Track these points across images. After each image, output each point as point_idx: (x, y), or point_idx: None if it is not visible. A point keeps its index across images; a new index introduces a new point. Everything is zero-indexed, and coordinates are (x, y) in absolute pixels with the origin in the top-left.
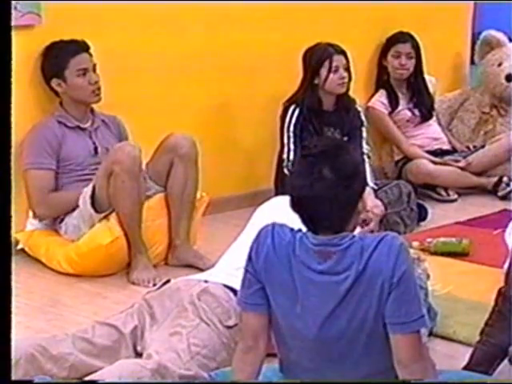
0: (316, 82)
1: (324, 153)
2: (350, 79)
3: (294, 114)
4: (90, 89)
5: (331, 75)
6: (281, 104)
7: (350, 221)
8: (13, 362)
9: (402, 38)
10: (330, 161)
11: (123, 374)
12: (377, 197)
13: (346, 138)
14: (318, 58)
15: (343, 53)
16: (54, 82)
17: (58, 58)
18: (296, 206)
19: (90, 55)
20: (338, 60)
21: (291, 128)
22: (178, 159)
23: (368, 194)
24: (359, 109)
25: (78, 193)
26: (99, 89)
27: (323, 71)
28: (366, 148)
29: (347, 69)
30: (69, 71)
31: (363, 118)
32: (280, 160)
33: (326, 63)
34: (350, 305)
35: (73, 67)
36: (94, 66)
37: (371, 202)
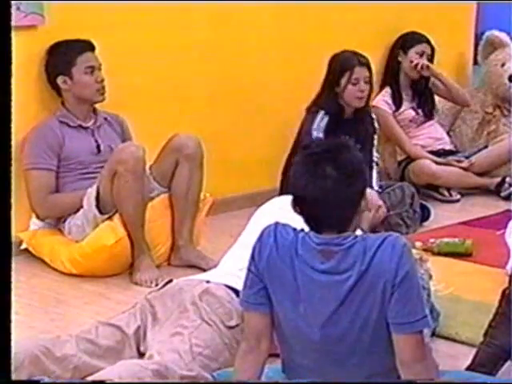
0: (337, 90)
1: (327, 152)
2: (370, 92)
3: (322, 120)
4: (96, 87)
5: (350, 86)
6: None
7: (353, 220)
8: (17, 363)
9: (425, 38)
10: (333, 159)
11: (124, 375)
12: (380, 199)
13: (358, 146)
14: (340, 67)
15: (366, 65)
16: (60, 80)
17: (66, 55)
18: (299, 205)
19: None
20: (359, 72)
21: (314, 133)
22: (183, 159)
23: (370, 195)
24: (373, 115)
25: (77, 194)
26: (104, 88)
27: (343, 81)
28: (375, 156)
29: (368, 82)
30: (76, 68)
31: (376, 124)
32: (289, 162)
33: (347, 74)
34: (353, 305)
35: (80, 64)
36: (100, 65)
37: (375, 203)
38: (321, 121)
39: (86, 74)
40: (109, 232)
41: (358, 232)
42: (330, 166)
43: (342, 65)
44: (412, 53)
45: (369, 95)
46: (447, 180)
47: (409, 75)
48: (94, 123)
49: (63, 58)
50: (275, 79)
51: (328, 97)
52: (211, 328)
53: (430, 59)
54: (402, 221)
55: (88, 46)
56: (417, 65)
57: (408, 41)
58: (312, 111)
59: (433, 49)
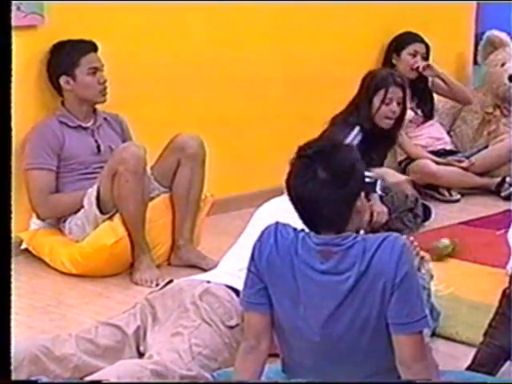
0: (371, 109)
1: (319, 153)
2: (402, 115)
3: (356, 137)
4: (99, 88)
5: (383, 106)
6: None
7: (350, 220)
8: (17, 362)
9: (418, 37)
10: (325, 160)
11: (122, 374)
12: (383, 203)
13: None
14: (375, 84)
15: (401, 86)
16: (63, 80)
17: (70, 55)
18: (296, 206)
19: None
20: (393, 92)
21: None
22: (185, 159)
23: (374, 199)
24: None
25: (78, 194)
26: (106, 89)
27: (376, 100)
28: None
29: (401, 103)
30: (79, 69)
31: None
32: None
33: (381, 92)
34: (353, 305)
35: (84, 65)
36: (103, 66)
37: (378, 208)
38: (354, 137)
39: (88, 75)
40: (109, 232)
41: (361, 233)
42: (322, 167)
43: (378, 83)
44: (404, 54)
45: (399, 118)
46: (447, 180)
47: (406, 76)
48: (94, 123)
49: (67, 58)
50: (275, 79)
51: (364, 114)
52: (211, 328)
53: (426, 58)
54: (404, 224)
55: (92, 47)
56: (418, 67)
57: (400, 42)
58: (345, 125)
59: (427, 47)
